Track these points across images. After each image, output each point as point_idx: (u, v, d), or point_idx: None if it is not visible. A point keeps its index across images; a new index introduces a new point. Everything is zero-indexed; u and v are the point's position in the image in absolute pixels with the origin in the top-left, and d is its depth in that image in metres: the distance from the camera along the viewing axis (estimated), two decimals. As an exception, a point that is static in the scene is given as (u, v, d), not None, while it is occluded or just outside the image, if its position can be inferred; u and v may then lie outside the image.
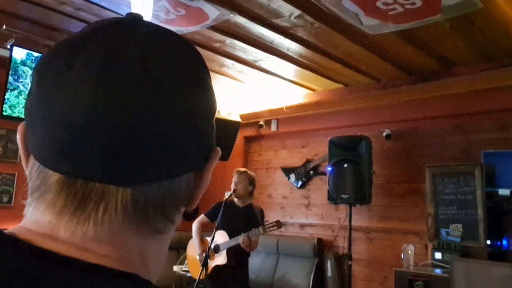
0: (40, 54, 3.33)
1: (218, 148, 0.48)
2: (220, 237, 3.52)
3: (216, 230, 3.37)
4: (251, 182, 3.62)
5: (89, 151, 0.38)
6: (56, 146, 0.39)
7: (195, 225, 3.73)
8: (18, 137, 0.44)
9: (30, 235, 0.39)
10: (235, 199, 3.63)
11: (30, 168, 0.43)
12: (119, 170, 0.39)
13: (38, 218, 0.41)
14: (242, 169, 3.67)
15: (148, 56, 0.40)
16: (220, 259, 3.54)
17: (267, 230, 3.49)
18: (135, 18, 0.44)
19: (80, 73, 0.38)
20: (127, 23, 0.43)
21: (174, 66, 0.42)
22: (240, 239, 3.41)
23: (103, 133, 0.37)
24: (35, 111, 0.41)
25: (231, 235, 3.50)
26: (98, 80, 0.38)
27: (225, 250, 3.52)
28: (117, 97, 0.38)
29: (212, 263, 3.52)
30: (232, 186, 3.57)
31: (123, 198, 0.40)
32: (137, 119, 0.38)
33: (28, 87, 0.44)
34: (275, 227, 3.52)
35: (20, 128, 0.44)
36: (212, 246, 3.45)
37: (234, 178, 3.59)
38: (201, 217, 3.74)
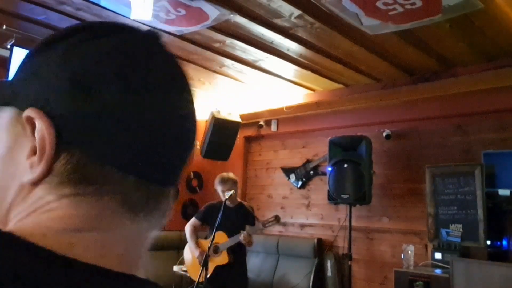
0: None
1: None
2: (218, 237, 3.54)
3: (215, 231, 3.37)
4: (235, 183, 3.76)
5: (171, 160, 0.44)
6: (146, 153, 0.42)
7: (188, 229, 3.75)
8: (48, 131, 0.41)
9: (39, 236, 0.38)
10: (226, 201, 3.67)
11: (66, 160, 0.40)
12: (178, 176, 0.46)
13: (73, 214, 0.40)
14: (226, 174, 3.76)
15: (187, 77, 0.47)
16: (221, 259, 3.57)
17: (266, 225, 3.66)
18: (158, 35, 0.48)
19: (162, 88, 0.43)
20: (156, 38, 0.47)
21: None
22: (241, 237, 3.51)
23: (185, 145, 0.45)
24: (116, 112, 0.40)
25: (230, 235, 3.56)
26: (181, 98, 0.45)
27: (225, 250, 3.55)
28: (192, 115, 0.46)
29: (213, 264, 3.53)
30: (224, 192, 3.59)
31: (172, 198, 0.46)
32: (195, 133, 0.47)
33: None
34: (274, 222, 3.67)
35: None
36: (212, 247, 3.47)
37: (222, 186, 3.64)
38: (193, 220, 3.77)
